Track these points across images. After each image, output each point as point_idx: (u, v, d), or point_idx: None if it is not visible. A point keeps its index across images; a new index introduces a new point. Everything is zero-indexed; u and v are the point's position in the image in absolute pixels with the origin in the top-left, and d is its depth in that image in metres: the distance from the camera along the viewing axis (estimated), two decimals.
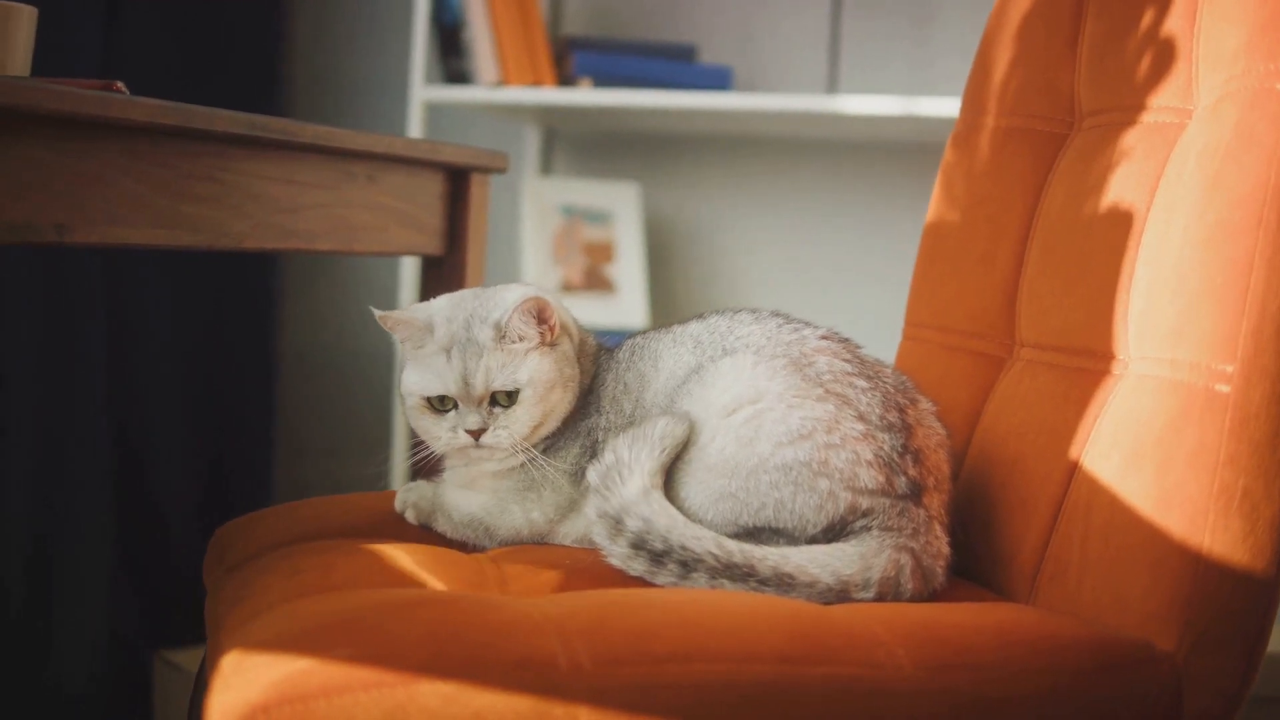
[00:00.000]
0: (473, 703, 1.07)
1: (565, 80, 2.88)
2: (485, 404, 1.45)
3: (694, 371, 1.43)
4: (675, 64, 2.90)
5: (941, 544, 1.36)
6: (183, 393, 2.93)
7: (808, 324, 1.46)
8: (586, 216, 3.03)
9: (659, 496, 1.34)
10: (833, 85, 2.90)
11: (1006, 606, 1.34)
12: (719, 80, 2.89)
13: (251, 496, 3.07)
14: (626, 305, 2.96)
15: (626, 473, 1.35)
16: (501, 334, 1.46)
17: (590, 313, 2.88)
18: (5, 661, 2.47)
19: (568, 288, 2.98)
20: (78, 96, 1.37)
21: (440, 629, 1.12)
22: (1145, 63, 1.46)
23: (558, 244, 2.99)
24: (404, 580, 1.31)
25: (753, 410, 1.36)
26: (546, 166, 3.23)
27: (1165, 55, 1.43)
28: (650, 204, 3.15)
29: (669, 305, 3.10)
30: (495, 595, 1.24)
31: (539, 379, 1.46)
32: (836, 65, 2.91)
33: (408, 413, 1.50)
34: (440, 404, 1.46)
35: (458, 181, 1.95)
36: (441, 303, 1.51)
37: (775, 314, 1.48)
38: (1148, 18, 1.46)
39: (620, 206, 3.06)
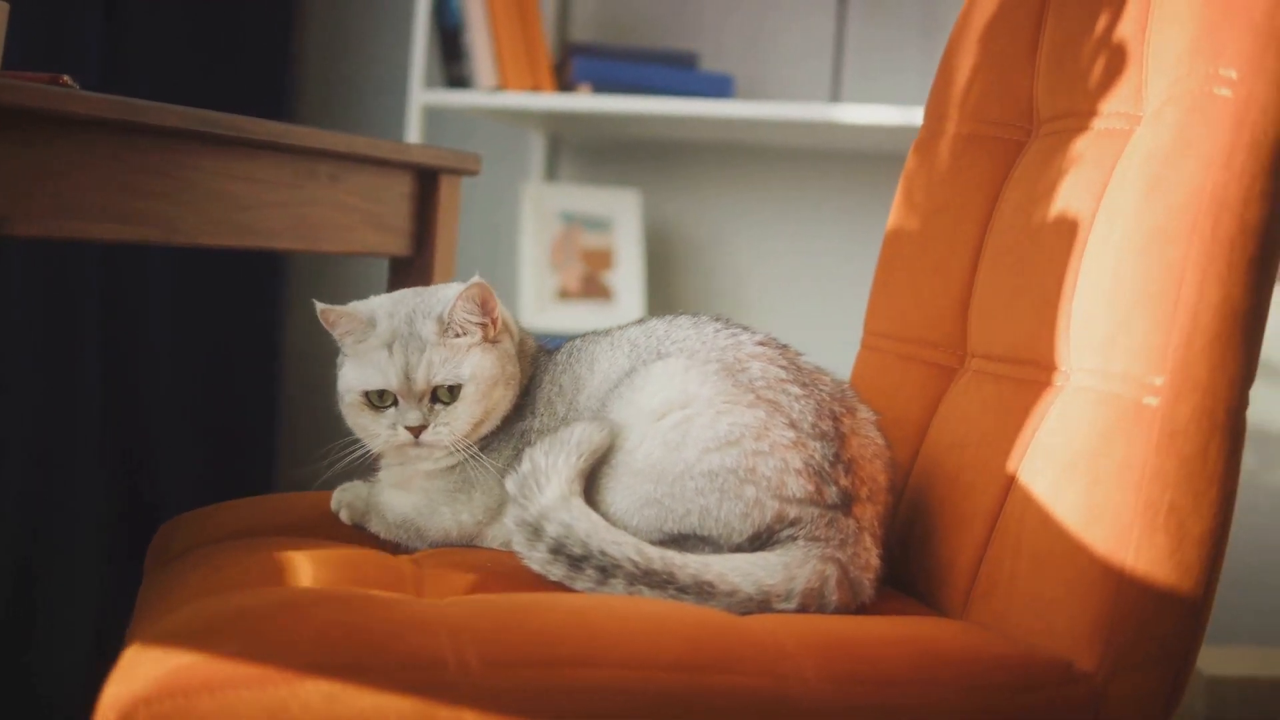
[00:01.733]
0: (357, 702, 1.05)
1: (566, 86, 2.87)
2: (426, 400, 1.43)
3: (626, 375, 1.41)
4: (676, 71, 2.88)
5: (871, 556, 1.33)
6: (184, 395, 2.93)
7: (746, 329, 1.44)
8: (586, 223, 3.02)
9: (578, 502, 1.32)
10: (836, 94, 2.88)
11: (930, 621, 1.31)
12: (720, 88, 2.87)
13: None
14: (624, 313, 2.94)
15: (544, 480, 1.33)
16: (445, 328, 1.44)
17: (588, 320, 2.86)
18: None
19: (565, 295, 2.97)
20: (15, 89, 1.36)
21: (329, 628, 1.10)
22: (1099, 68, 1.42)
23: (556, 251, 2.98)
24: (320, 580, 1.30)
25: (681, 415, 1.34)
26: (551, 173, 3.22)
27: (1118, 60, 1.40)
28: (651, 211, 3.13)
29: (667, 313, 3.07)
30: (397, 596, 1.22)
31: (481, 375, 1.44)
32: (840, 73, 2.88)
33: (344, 411, 1.48)
34: (379, 400, 1.45)
35: (427, 183, 1.94)
36: (383, 300, 1.50)
37: (715, 319, 1.46)
38: (1102, 22, 1.43)
39: (620, 213, 3.04)
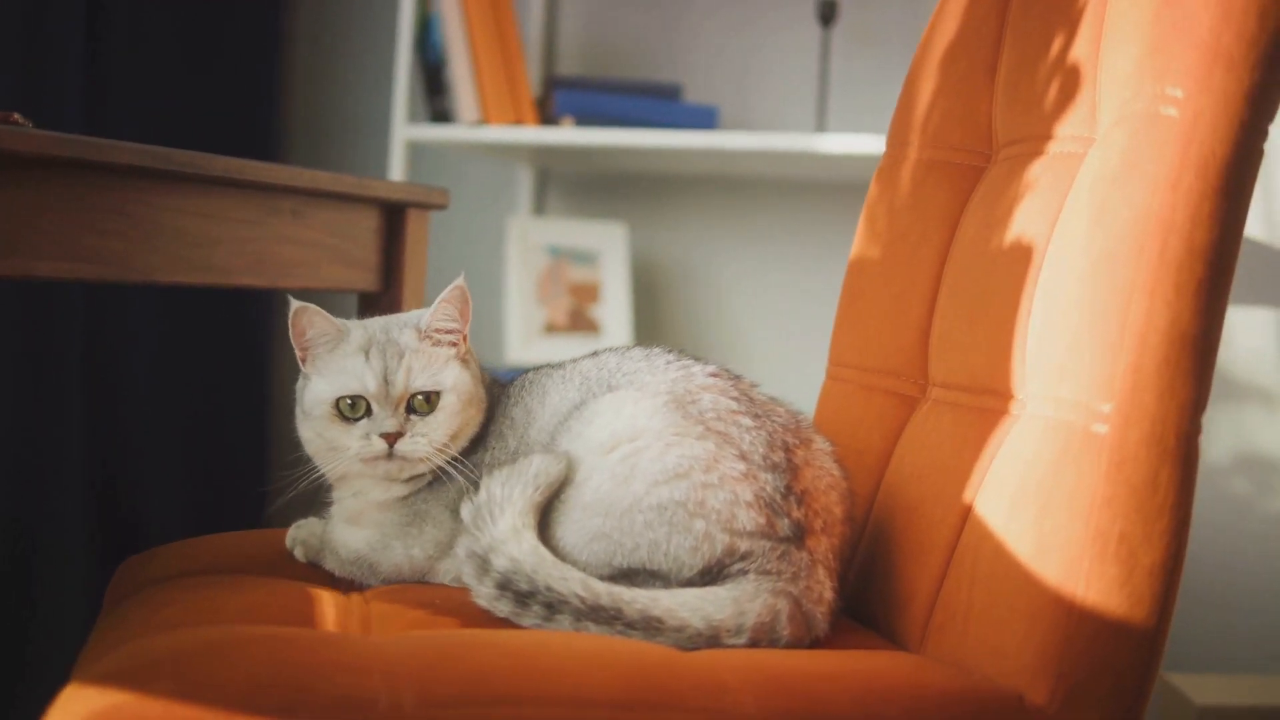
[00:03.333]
0: None
1: (549, 119, 2.86)
2: (402, 409, 1.41)
3: (576, 408, 1.39)
4: (659, 102, 2.87)
5: (825, 589, 1.31)
6: (170, 425, 2.92)
7: (698, 360, 1.42)
8: (573, 257, 3.01)
9: (530, 536, 1.30)
10: (821, 124, 2.86)
11: (881, 655, 1.29)
12: (704, 119, 2.86)
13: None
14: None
15: (498, 511, 1.31)
16: (423, 336, 1.43)
17: (576, 354, 2.84)
18: None
19: (552, 328, 2.95)
20: None
21: (261, 667, 1.08)
22: (1053, 90, 1.41)
23: (543, 284, 2.97)
24: (263, 619, 1.28)
25: (630, 448, 1.32)
26: (538, 207, 3.21)
27: (1071, 82, 1.38)
28: (637, 244, 3.12)
29: (655, 345, 3.05)
30: (334, 634, 1.20)
31: (461, 387, 1.43)
32: (825, 104, 2.86)
33: (308, 427, 1.44)
34: (351, 410, 1.41)
35: (394, 218, 1.93)
36: (350, 321, 1.48)
37: (667, 351, 1.44)
38: (1057, 44, 1.41)
39: (607, 246, 3.03)
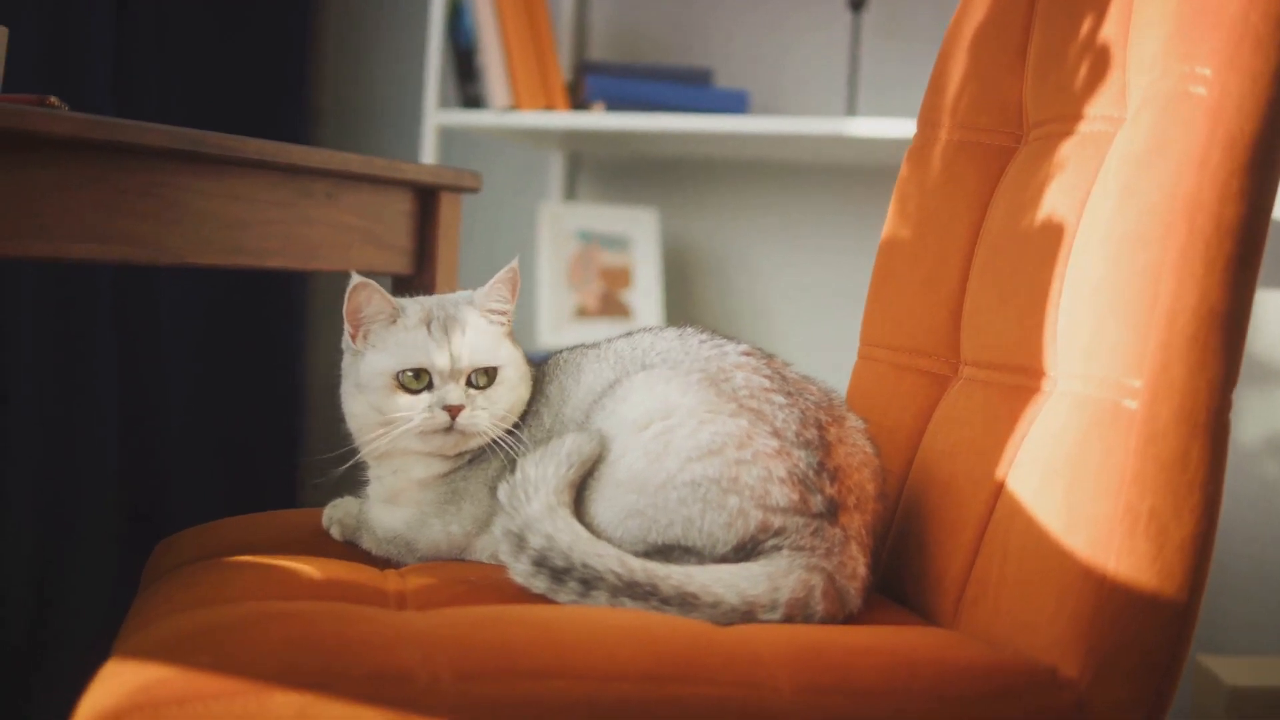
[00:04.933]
0: (326, 713, 1.06)
1: (580, 105, 2.87)
2: (463, 382, 1.43)
3: (610, 386, 1.40)
4: (690, 88, 2.88)
5: (858, 565, 1.32)
6: (201, 410, 2.94)
7: (731, 340, 1.43)
8: (604, 242, 3.02)
9: (564, 514, 1.31)
10: (851, 108, 2.86)
11: (913, 631, 1.30)
12: (735, 103, 2.86)
13: None
14: None
15: (532, 490, 1.32)
16: (481, 312, 1.46)
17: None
18: (7, 679, 2.49)
19: (584, 313, 2.97)
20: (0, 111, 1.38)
21: (297, 640, 1.10)
22: (1083, 71, 1.41)
23: (574, 269, 2.98)
24: (300, 595, 1.30)
25: (663, 425, 1.33)
26: (569, 192, 3.22)
27: (1101, 62, 1.39)
28: (668, 229, 3.13)
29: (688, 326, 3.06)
30: (369, 609, 1.21)
31: (516, 363, 1.46)
32: (855, 87, 2.87)
33: (362, 399, 1.44)
34: (414, 382, 1.43)
35: (427, 201, 1.94)
36: (403, 299, 1.49)
37: (700, 331, 1.45)
38: (1087, 25, 1.42)
39: (638, 231, 3.04)
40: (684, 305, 3.14)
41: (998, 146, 1.55)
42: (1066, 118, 1.43)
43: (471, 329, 1.44)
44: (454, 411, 1.41)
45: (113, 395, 2.67)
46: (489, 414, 1.43)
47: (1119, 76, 1.36)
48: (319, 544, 1.51)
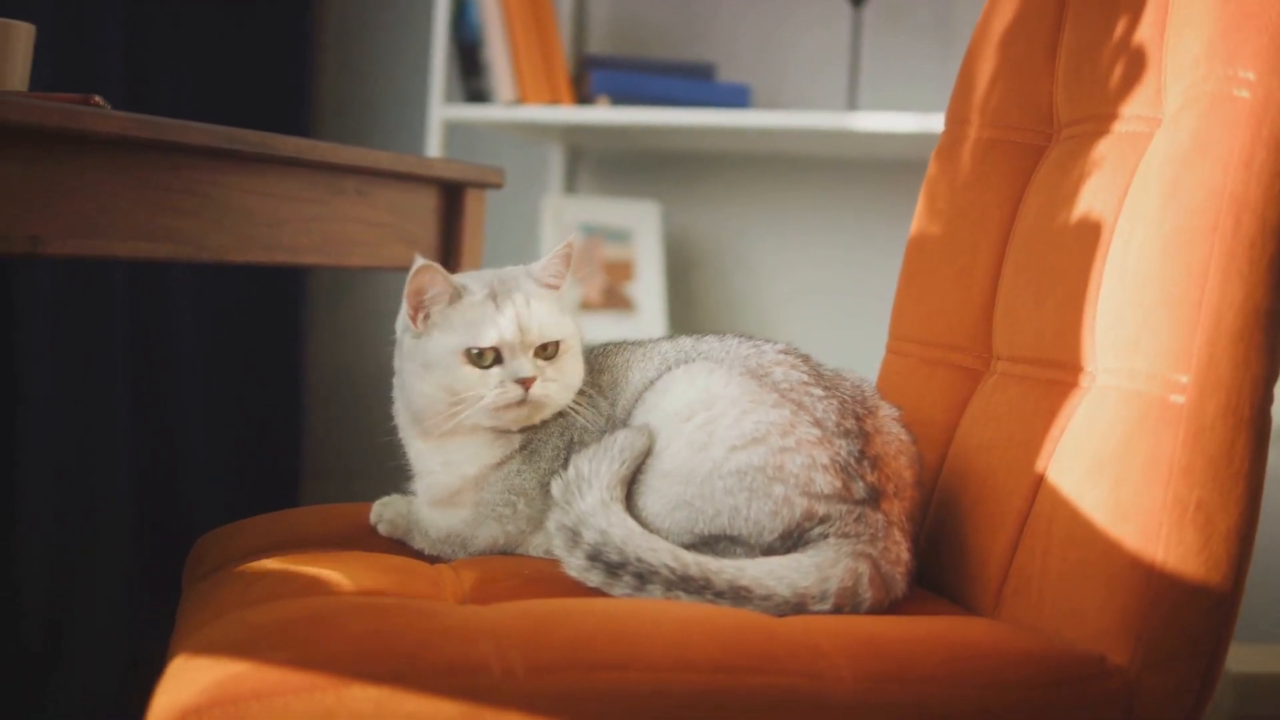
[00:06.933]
0: (403, 707, 1.07)
1: (583, 99, 2.89)
2: (531, 354, 1.43)
3: (651, 384, 1.43)
4: (693, 82, 2.90)
5: (901, 550, 1.35)
6: (208, 409, 2.95)
7: (768, 341, 1.45)
8: (606, 235, 3.04)
9: (618, 509, 1.34)
10: (853, 102, 2.89)
11: (961, 620, 1.33)
12: (737, 98, 2.89)
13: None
14: (646, 323, 2.96)
15: (586, 486, 1.35)
16: (541, 284, 1.47)
17: (610, 332, 2.88)
18: (24, 682, 2.49)
19: (587, 306, 2.98)
20: (44, 109, 1.39)
21: (372, 634, 1.12)
22: (1118, 71, 1.44)
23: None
24: (360, 589, 1.31)
25: (706, 415, 1.35)
26: (571, 185, 3.24)
27: (1136, 63, 1.42)
28: (670, 222, 3.15)
29: (688, 324, 3.09)
30: (437, 603, 1.23)
31: (575, 334, 1.47)
32: (856, 82, 2.89)
33: (430, 380, 1.43)
34: (480, 360, 1.42)
35: (453, 197, 1.96)
36: (457, 276, 1.49)
37: (739, 335, 1.47)
38: (1121, 26, 1.45)
39: (640, 225, 3.06)
40: (686, 298, 3.16)
41: (1028, 144, 1.58)
42: (1101, 117, 1.45)
43: (536, 301, 1.45)
44: (526, 384, 1.41)
45: (126, 397, 2.68)
46: (559, 384, 1.44)
47: (1155, 77, 1.39)
48: (366, 539, 1.52)
